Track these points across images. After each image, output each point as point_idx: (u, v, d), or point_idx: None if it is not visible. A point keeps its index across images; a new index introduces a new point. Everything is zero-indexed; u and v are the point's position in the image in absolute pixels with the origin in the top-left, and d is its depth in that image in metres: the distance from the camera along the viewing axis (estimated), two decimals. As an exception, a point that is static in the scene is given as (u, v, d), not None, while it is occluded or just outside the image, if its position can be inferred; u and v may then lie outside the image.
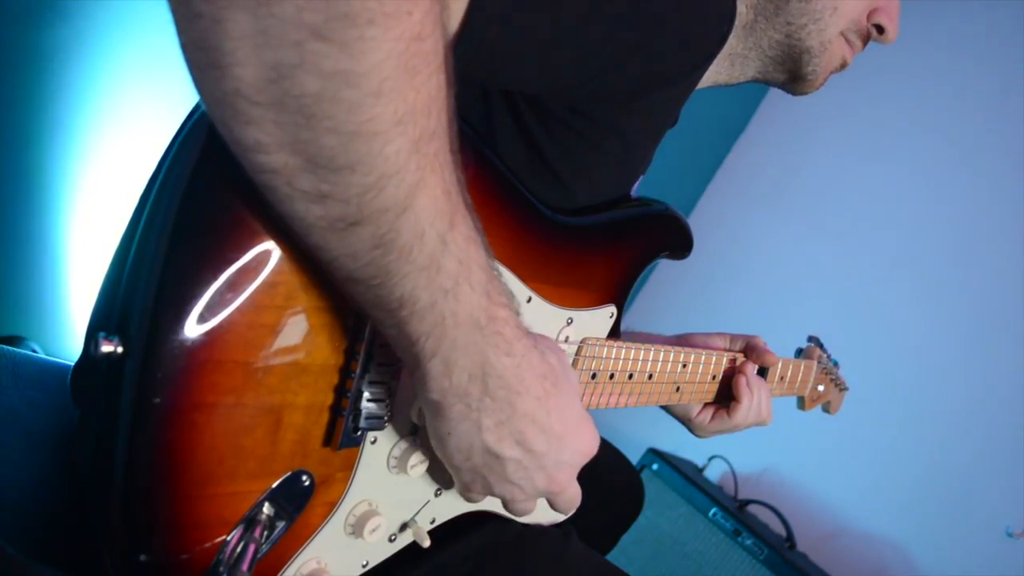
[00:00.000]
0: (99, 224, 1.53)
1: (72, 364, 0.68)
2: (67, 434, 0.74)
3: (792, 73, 0.85)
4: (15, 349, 0.89)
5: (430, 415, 0.54)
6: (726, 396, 1.01)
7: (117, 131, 1.50)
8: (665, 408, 1.04)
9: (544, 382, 0.54)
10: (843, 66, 0.87)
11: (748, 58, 0.84)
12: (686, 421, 1.05)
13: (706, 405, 1.02)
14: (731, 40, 0.80)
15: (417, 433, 0.63)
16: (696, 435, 1.05)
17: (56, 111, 1.42)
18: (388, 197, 0.41)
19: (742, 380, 0.98)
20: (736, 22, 0.78)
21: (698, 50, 0.64)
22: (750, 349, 1.03)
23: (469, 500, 0.60)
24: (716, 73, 0.85)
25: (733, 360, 1.00)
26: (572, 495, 0.61)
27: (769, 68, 0.85)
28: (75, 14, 1.38)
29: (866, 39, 0.86)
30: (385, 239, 0.42)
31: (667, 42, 0.60)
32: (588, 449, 0.59)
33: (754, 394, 0.98)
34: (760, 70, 0.86)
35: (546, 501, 0.62)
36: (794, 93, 0.91)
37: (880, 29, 0.84)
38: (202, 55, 0.36)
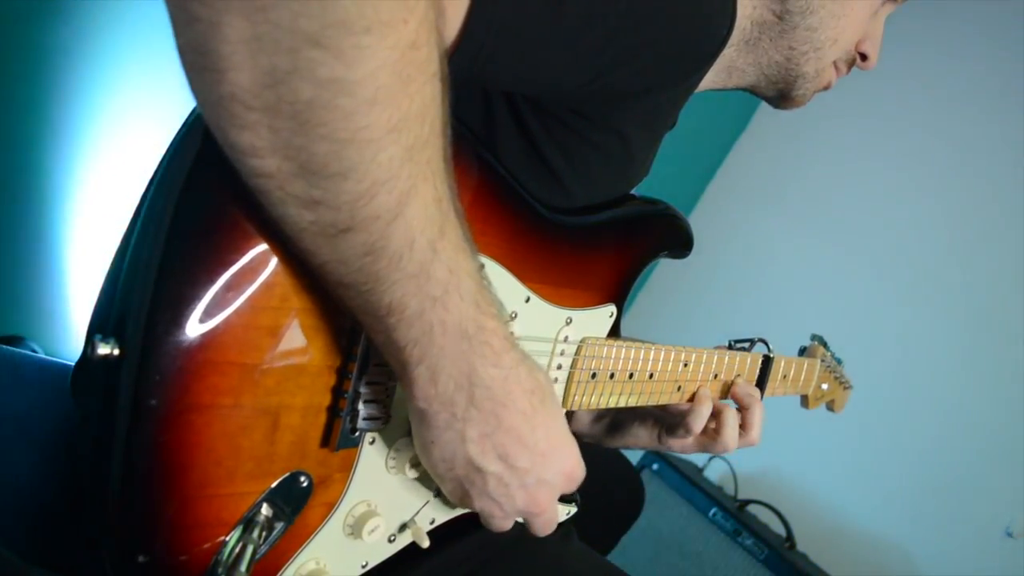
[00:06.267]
0: (100, 224, 1.53)
1: (72, 364, 0.68)
2: (67, 434, 0.74)
3: (782, 92, 0.89)
4: (15, 349, 0.89)
5: (416, 423, 0.53)
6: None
7: (118, 131, 1.50)
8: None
9: (531, 397, 0.54)
10: (826, 87, 0.90)
11: (746, 72, 0.86)
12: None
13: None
14: (732, 53, 0.82)
15: (415, 434, 0.63)
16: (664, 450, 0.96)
17: (56, 111, 1.42)
18: (379, 204, 0.41)
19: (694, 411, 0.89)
20: (739, 36, 0.80)
21: (697, 54, 0.64)
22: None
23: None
24: (713, 80, 0.86)
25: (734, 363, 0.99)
26: (550, 518, 0.60)
27: (762, 83, 0.88)
28: (76, 13, 1.38)
29: (851, 65, 0.89)
30: (376, 246, 0.42)
31: (666, 45, 0.60)
32: (571, 471, 0.58)
33: (697, 422, 0.88)
34: (753, 84, 0.88)
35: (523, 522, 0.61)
36: (778, 108, 0.94)
37: (863, 56, 0.88)
38: (198, 58, 0.36)
